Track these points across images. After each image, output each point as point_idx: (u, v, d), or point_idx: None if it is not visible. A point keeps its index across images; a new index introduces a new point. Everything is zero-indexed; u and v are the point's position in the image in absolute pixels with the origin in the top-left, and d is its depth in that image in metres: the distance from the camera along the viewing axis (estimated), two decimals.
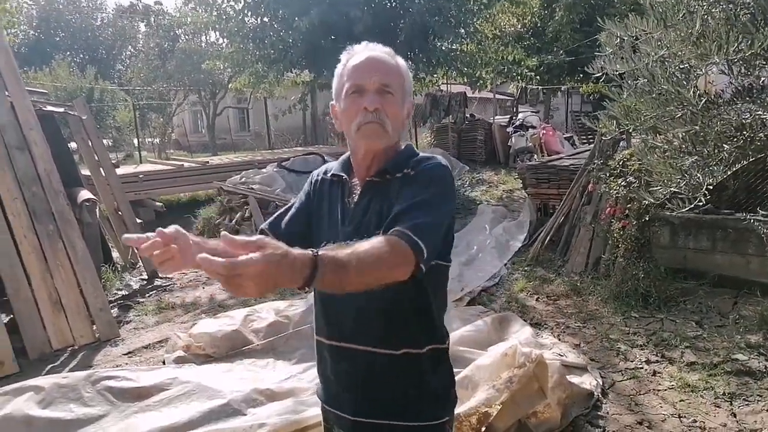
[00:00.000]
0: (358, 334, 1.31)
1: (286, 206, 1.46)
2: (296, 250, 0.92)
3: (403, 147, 1.35)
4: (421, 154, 1.33)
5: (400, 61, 1.33)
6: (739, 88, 2.57)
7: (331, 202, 1.36)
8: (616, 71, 2.55)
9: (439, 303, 1.35)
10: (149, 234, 1.07)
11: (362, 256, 1.00)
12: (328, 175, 1.40)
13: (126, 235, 1.08)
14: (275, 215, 1.45)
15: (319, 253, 0.95)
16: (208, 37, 20.43)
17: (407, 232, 1.09)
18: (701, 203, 2.70)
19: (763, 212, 3.51)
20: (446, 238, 1.28)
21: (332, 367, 1.37)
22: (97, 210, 5.37)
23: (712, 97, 2.54)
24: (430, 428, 1.33)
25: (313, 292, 1.42)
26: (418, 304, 1.29)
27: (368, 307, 1.28)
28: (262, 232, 1.38)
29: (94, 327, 4.26)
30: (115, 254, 6.20)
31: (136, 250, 1.03)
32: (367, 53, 1.29)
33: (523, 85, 13.19)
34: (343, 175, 1.36)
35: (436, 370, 1.35)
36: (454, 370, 1.44)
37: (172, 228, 1.08)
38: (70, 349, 4.07)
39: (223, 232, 0.89)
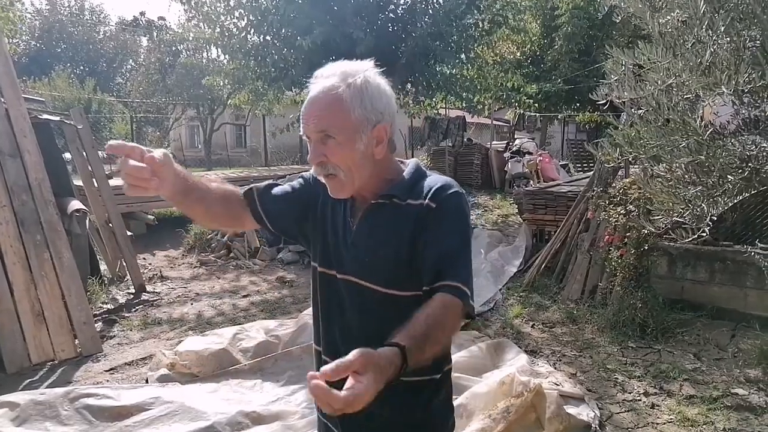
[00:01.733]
0: None
1: (277, 182, 1.39)
2: (387, 351, 0.92)
3: (407, 167, 1.28)
4: (430, 175, 1.26)
5: (355, 83, 1.15)
6: (746, 119, 2.55)
7: (333, 216, 1.30)
8: (622, 99, 2.53)
9: None
10: (139, 149, 1.06)
11: (433, 332, 1.02)
12: None
13: (112, 142, 1.06)
14: (266, 184, 1.37)
15: (405, 346, 0.94)
16: (209, 54, 20.57)
17: (459, 286, 1.11)
18: (705, 234, 2.66)
19: (762, 245, 3.48)
20: None
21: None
22: (87, 221, 5.27)
23: (718, 127, 2.52)
24: None
25: (312, 309, 1.35)
26: None
27: (375, 336, 1.21)
28: (248, 193, 1.33)
29: (77, 341, 4.12)
30: (102, 267, 6.07)
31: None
32: (310, 92, 1.17)
33: (521, 112, 13.26)
34: None
35: (439, 395, 1.30)
36: None
37: (160, 153, 1.09)
38: (50, 363, 3.93)
39: (323, 369, 0.84)
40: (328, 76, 1.17)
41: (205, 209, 1.29)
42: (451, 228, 1.17)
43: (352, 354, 0.85)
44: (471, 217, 9.13)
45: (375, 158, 1.20)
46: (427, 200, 1.19)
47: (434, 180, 1.23)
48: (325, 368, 0.83)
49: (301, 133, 1.20)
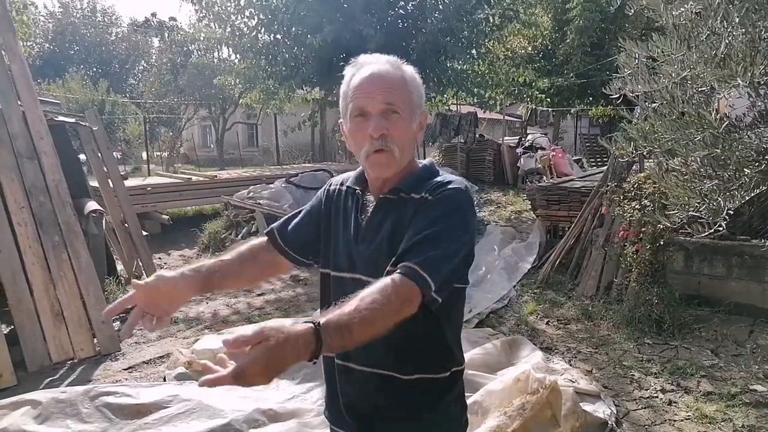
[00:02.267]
0: (368, 357, 1.23)
1: (295, 211, 1.46)
2: (297, 327, 0.90)
3: (422, 164, 1.29)
4: (442, 174, 1.26)
5: (407, 70, 1.24)
6: (762, 111, 2.51)
7: (345, 217, 1.30)
8: (636, 92, 2.50)
9: (453, 325, 1.29)
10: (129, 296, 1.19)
11: (365, 311, 0.97)
12: (344, 186, 1.34)
13: (109, 307, 1.22)
14: (284, 219, 1.44)
15: (321, 323, 0.92)
16: (220, 53, 20.70)
17: (415, 267, 1.05)
18: (721, 228, 2.62)
19: None
20: (464, 263, 1.22)
21: (341, 387, 1.30)
22: (103, 221, 5.34)
23: (733, 120, 2.48)
24: None
25: (320, 306, 1.36)
26: (430, 330, 1.22)
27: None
28: (270, 234, 1.41)
29: (95, 340, 4.19)
30: (119, 266, 6.14)
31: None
32: (370, 69, 1.19)
33: (533, 107, 13.18)
34: (358, 188, 1.31)
35: (450, 394, 1.28)
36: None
37: (151, 279, 1.20)
38: (69, 362, 3.99)
39: (223, 338, 0.87)
40: (378, 62, 1.21)
41: (237, 278, 1.38)
42: (437, 216, 1.13)
43: (252, 329, 0.87)
44: (484, 214, 8.99)
45: (417, 142, 1.25)
46: (427, 194, 1.18)
47: (442, 178, 1.23)
48: (225, 338, 0.86)
49: (358, 106, 1.18)
